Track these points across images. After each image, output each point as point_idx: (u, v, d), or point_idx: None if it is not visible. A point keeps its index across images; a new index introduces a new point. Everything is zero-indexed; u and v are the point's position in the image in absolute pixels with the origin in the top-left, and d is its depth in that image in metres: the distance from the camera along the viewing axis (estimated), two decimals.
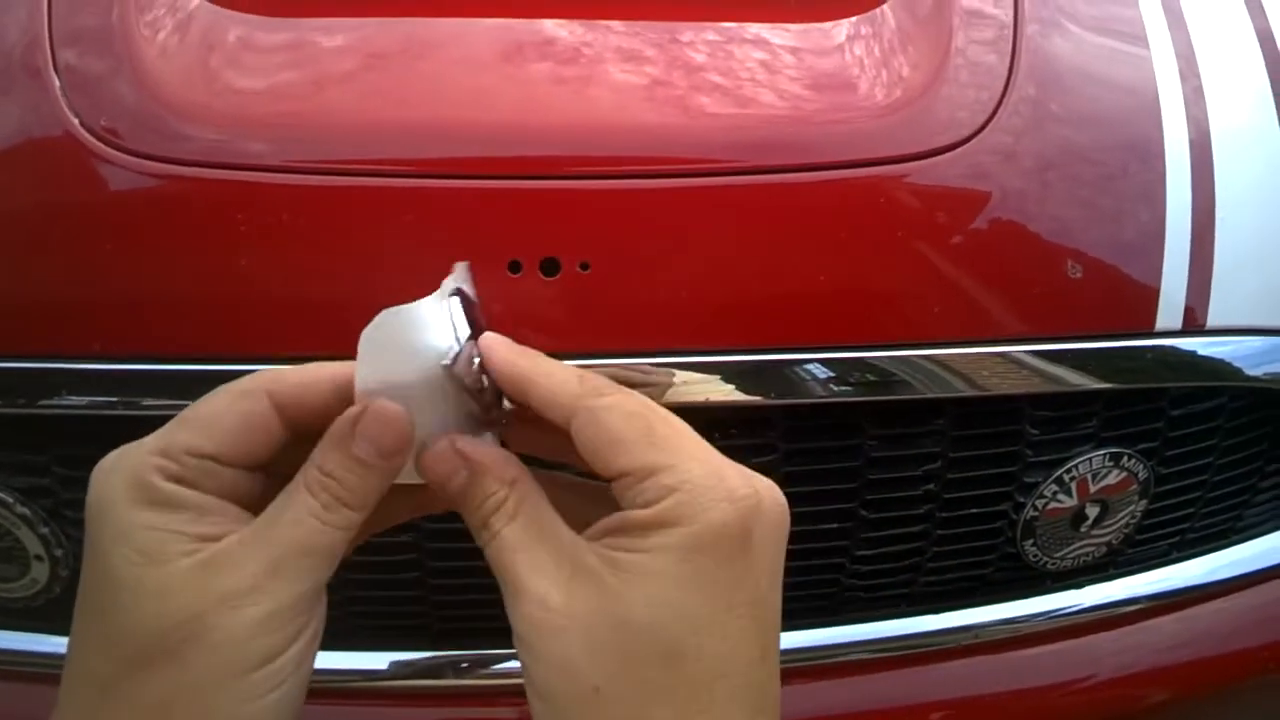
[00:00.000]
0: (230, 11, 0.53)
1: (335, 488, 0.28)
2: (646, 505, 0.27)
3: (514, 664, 0.51)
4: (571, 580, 0.27)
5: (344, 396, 0.29)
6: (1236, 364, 0.54)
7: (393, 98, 0.50)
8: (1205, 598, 0.60)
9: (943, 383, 0.48)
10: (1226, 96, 0.57)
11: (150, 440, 0.28)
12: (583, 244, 0.45)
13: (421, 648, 0.53)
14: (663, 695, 0.26)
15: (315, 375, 0.30)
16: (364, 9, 0.54)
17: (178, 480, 0.28)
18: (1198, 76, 0.57)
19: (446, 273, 0.41)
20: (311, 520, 0.28)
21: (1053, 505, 0.53)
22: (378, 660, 0.52)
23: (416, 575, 0.50)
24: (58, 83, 0.49)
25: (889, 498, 0.51)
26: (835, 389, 0.48)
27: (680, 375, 0.47)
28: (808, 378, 0.48)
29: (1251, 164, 0.56)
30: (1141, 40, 0.57)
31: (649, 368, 0.47)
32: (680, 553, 0.27)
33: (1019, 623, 0.57)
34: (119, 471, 0.28)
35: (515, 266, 0.45)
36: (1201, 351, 0.53)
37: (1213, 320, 0.52)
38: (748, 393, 0.47)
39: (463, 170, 0.46)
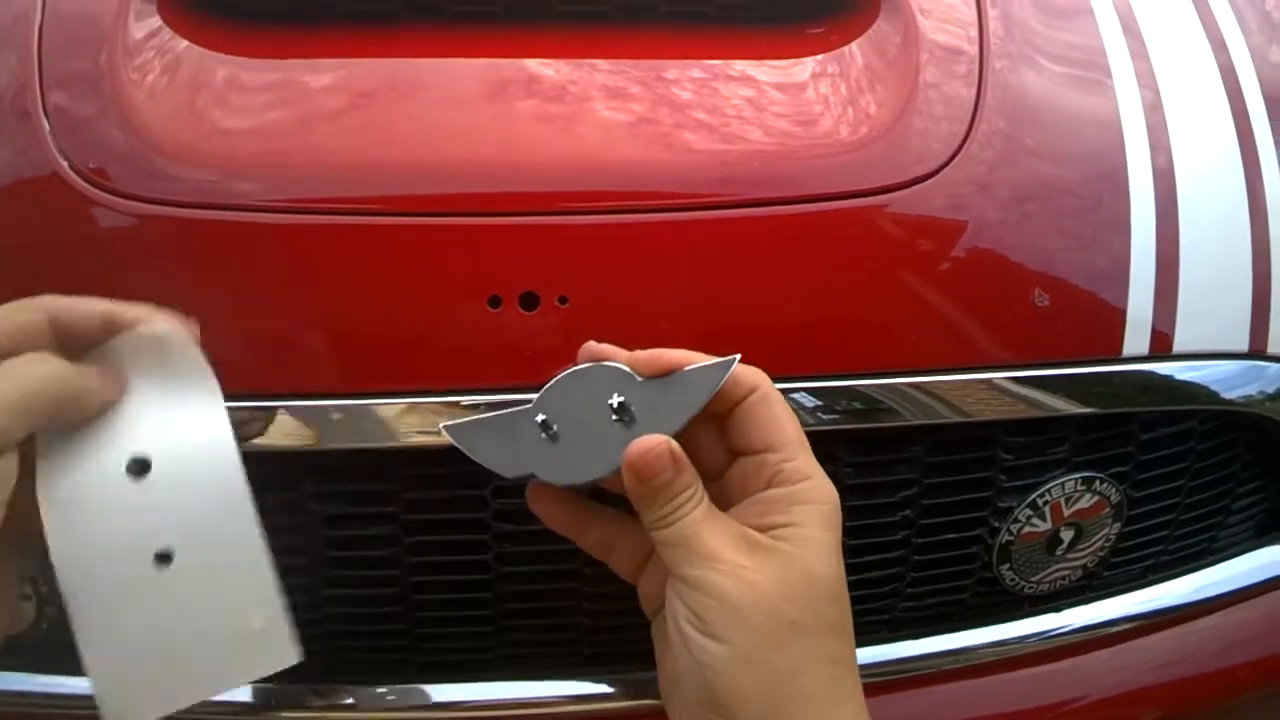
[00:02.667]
0: (217, 54, 0.54)
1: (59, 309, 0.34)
2: (790, 481, 0.36)
3: (495, 695, 0.52)
4: (752, 549, 0.35)
5: (109, 329, 0.35)
6: (1213, 387, 0.55)
7: (376, 137, 0.51)
8: (1184, 618, 0.61)
9: (928, 409, 0.50)
10: (1190, 127, 0.58)
11: None
12: (560, 278, 0.46)
13: (406, 680, 0.53)
14: (833, 628, 0.35)
15: (92, 305, 0.35)
16: (350, 50, 0.55)
17: None
18: (1161, 107, 0.58)
19: (427, 306, 0.44)
20: (32, 354, 0.33)
21: (1027, 529, 0.54)
22: (363, 694, 0.52)
23: (400, 609, 0.51)
24: (47, 126, 0.50)
25: (866, 524, 0.52)
26: (823, 417, 0.49)
27: None
28: (795, 407, 0.49)
29: (1216, 192, 0.57)
30: (1106, 73, 0.59)
31: None
32: (823, 524, 0.36)
33: (1003, 645, 0.58)
34: None
35: (495, 301, 0.46)
36: (1178, 376, 0.54)
37: (1180, 346, 0.54)
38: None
39: (443, 207, 0.47)
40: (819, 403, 0.49)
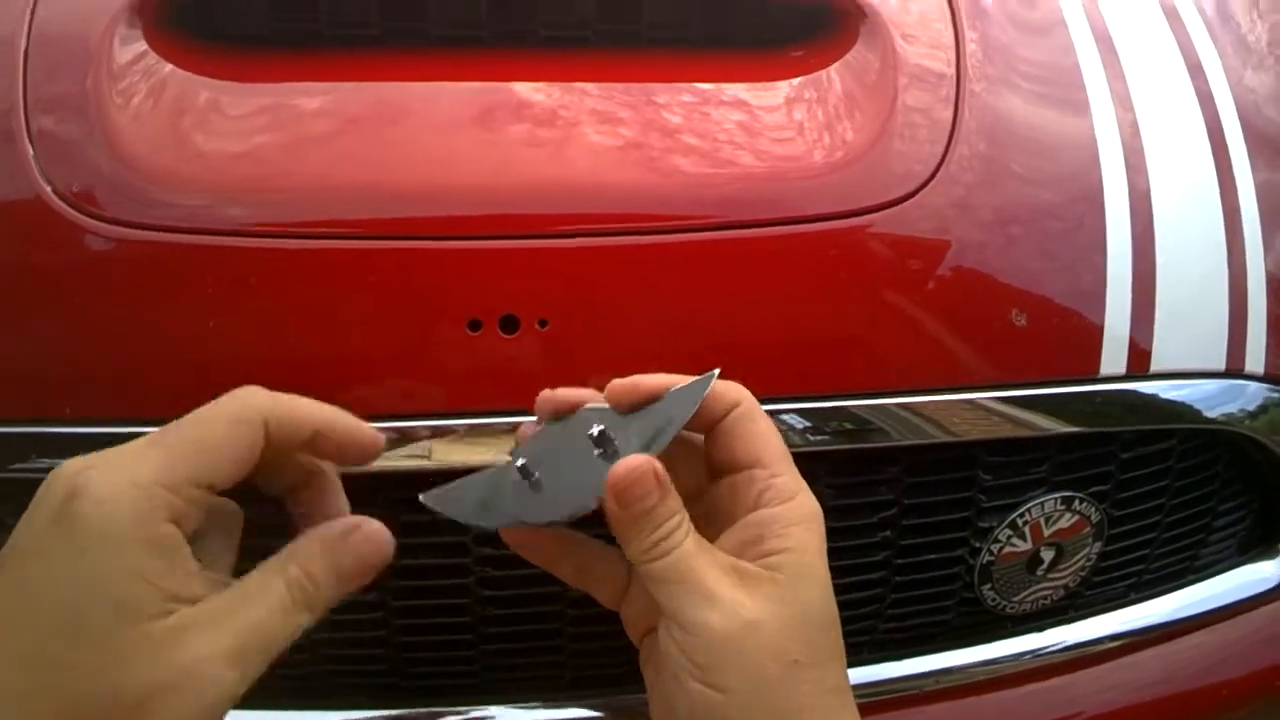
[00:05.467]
0: (202, 78, 0.55)
1: (312, 592, 0.30)
2: (778, 501, 0.35)
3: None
4: (745, 583, 0.33)
5: (322, 439, 0.32)
6: (1196, 406, 0.56)
7: (358, 161, 0.51)
8: (1170, 636, 0.61)
9: (917, 430, 0.50)
10: (1167, 149, 0.59)
11: (150, 469, 0.28)
12: (539, 301, 0.47)
13: (391, 705, 0.53)
14: (833, 654, 0.34)
15: (306, 414, 0.32)
16: (334, 74, 0.55)
17: (176, 520, 0.28)
18: (1138, 129, 0.59)
19: (408, 330, 0.44)
20: (283, 616, 0.29)
21: (1008, 549, 0.54)
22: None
23: (383, 633, 0.51)
24: (31, 150, 0.50)
25: (847, 545, 0.52)
26: (812, 438, 0.49)
27: None
28: (782, 428, 0.49)
29: (1192, 213, 0.58)
30: (1082, 95, 0.60)
31: None
32: (815, 545, 0.35)
33: (987, 665, 0.58)
34: (122, 503, 0.27)
35: (475, 325, 0.46)
36: (1163, 395, 0.55)
37: (1158, 365, 0.54)
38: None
39: (422, 231, 0.47)
40: (808, 424, 0.49)
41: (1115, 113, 0.59)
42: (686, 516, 0.34)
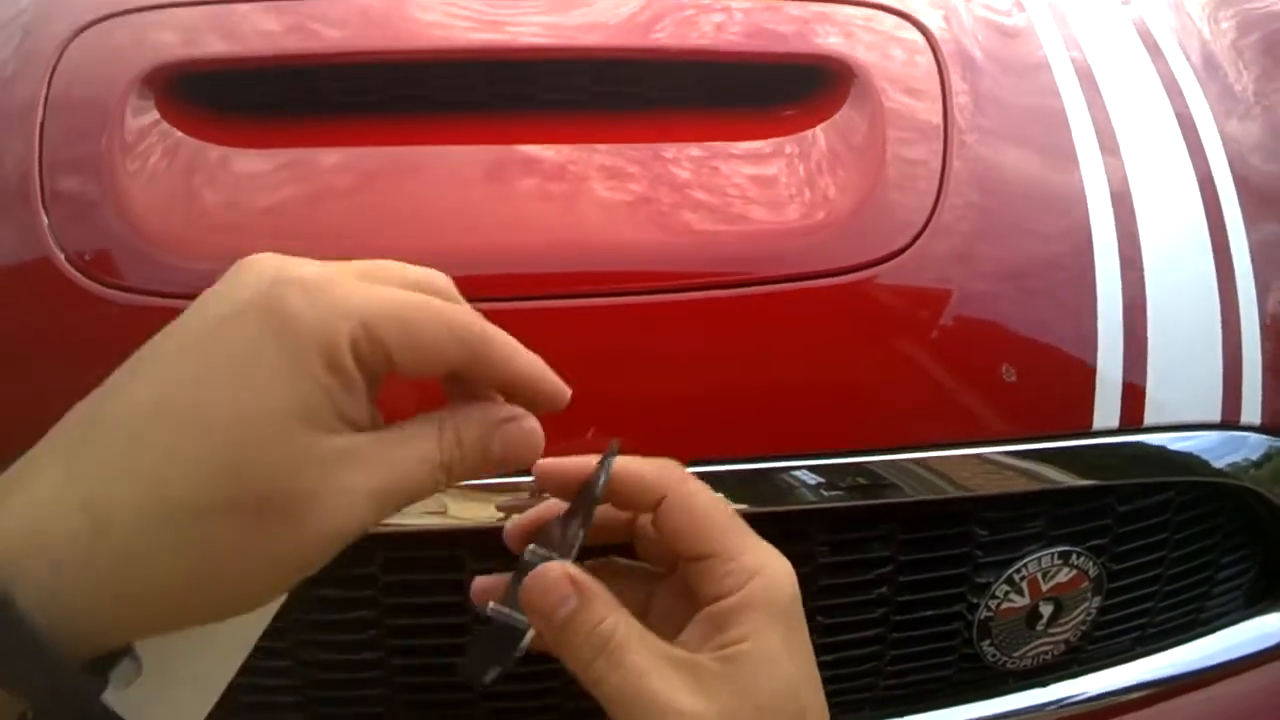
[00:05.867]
0: (211, 145, 0.56)
1: (458, 459, 0.29)
2: (737, 588, 0.31)
3: None
4: (701, 686, 0.29)
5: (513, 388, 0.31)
6: (1204, 457, 0.56)
7: (360, 225, 0.53)
8: (1175, 692, 0.60)
9: (929, 485, 0.50)
10: (1157, 202, 0.60)
11: (358, 301, 0.27)
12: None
13: None
14: None
15: (506, 369, 0.31)
16: (339, 140, 0.57)
17: (358, 358, 0.27)
18: (1126, 177, 0.60)
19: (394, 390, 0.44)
20: (427, 469, 0.29)
21: (1006, 605, 0.54)
22: None
23: (381, 673, 0.51)
24: (45, 217, 0.52)
25: (843, 603, 0.52)
26: (826, 494, 0.49)
27: None
28: (797, 484, 0.49)
29: (1183, 262, 0.58)
30: (1069, 144, 0.60)
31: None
32: (780, 632, 0.31)
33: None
34: (321, 311, 0.26)
35: None
36: (1171, 446, 0.55)
37: (1152, 417, 0.54)
38: (737, 501, 0.49)
39: None
40: (821, 479, 0.49)
41: (1104, 162, 0.60)
42: (623, 621, 0.30)
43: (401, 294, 0.28)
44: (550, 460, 0.34)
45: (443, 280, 0.31)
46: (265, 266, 0.28)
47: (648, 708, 0.29)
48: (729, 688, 0.29)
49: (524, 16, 0.62)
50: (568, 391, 0.32)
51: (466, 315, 0.29)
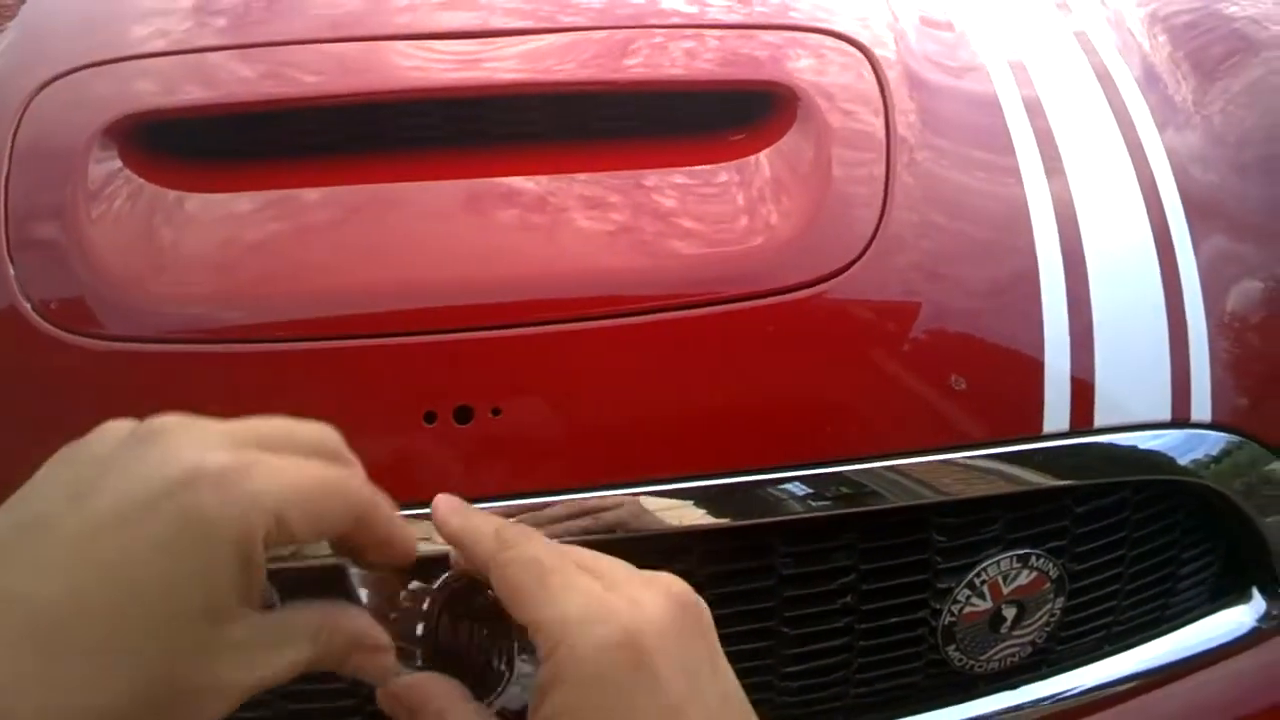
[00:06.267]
0: (176, 191, 0.58)
1: (317, 664, 0.31)
2: (545, 659, 0.30)
3: None
4: None
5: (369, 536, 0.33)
6: (1170, 454, 0.57)
7: (334, 261, 0.54)
8: (1144, 688, 0.61)
9: (909, 491, 0.51)
10: (1100, 211, 0.61)
11: (270, 492, 0.28)
12: (491, 390, 0.49)
13: None
14: None
15: (387, 522, 0.33)
16: (298, 181, 0.58)
17: (266, 545, 0.28)
18: (1068, 188, 0.61)
19: (366, 425, 0.45)
20: (291, 670, 0.30)
21: (969, 609, 0.55)
22: None
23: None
24: (11, 269, 0.53)
25: (808, 613, 0.53)
26: (814, 505, 0.50)
27: (652, 502, 0.50)
28: (784, 496, 0.50)
29: (1128, 270, 0.60)
30: (1011, 157, 0.62)
31: (605, 498, 0.49)
32: (591, 700, 0.29)
33: None
34: (240, 513, 0.27)
35: (430, 417, 0.48)
36: (1141, 445, 0.56)
37: (1102, 419, 0.55)
38: (718, 516, 0.50)
39: (376, 328, 0.50)
40: (810, 490, 0.50)
41: (1046, 173, 0.62)
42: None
43: (304, 474, 0.30)
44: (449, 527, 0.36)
45: (334, 440, 0.33)
46: (175, 450, 0.28)
47: None
48: None
49: (490, 53, 0.64)
50: (415, 553, 0.34)
51: (358, 487, 0.32)
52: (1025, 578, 0.55)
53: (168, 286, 0.53)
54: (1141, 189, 0.64)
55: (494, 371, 0.49)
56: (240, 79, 0.63)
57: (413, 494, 0.48)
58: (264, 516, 0.28)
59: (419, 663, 0.35)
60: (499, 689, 0.35)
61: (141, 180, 0.58)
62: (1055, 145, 0.64)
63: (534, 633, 0.30)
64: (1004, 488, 0.53)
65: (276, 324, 0.51)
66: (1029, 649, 0.58)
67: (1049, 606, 0.57)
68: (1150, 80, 0.72)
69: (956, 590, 0.54)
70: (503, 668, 0.35)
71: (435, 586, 0.36)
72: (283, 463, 0.30)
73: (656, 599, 0.31)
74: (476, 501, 0.47)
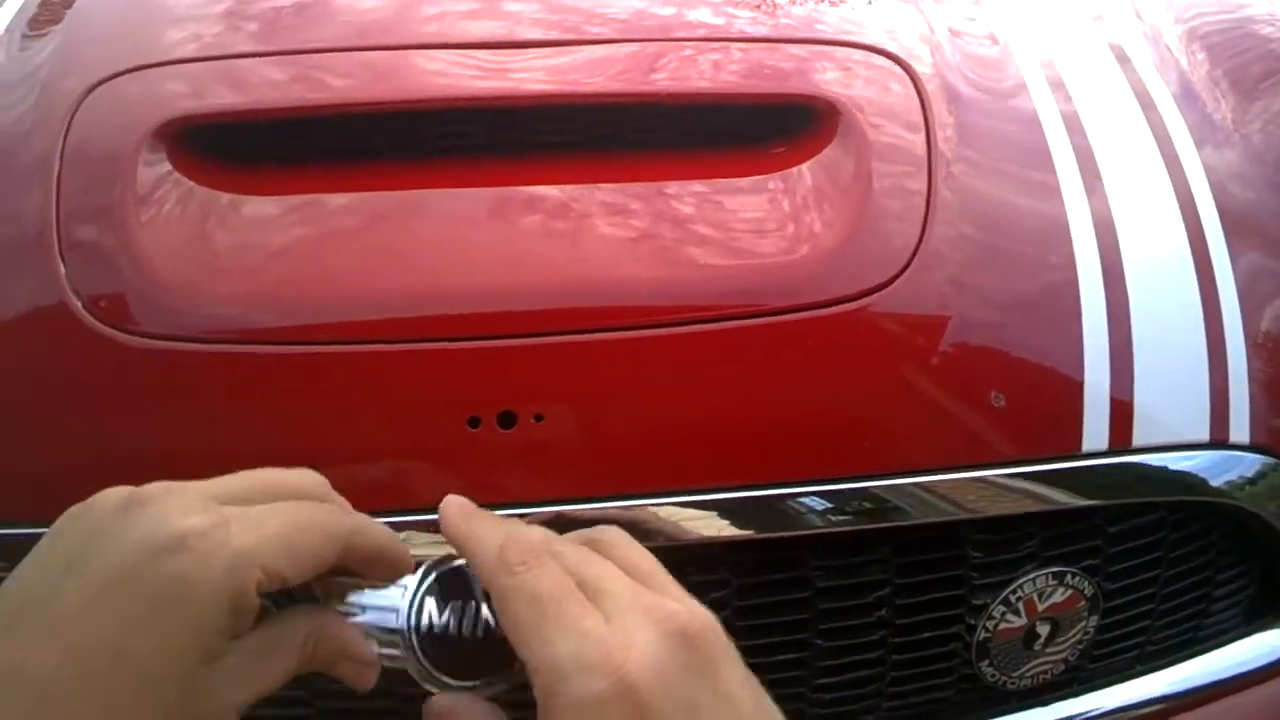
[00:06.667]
0: (223, 193, 0.59)
1: (307, 667, 0.33)
2: (540, 696, 0.30)
3: None
4: None
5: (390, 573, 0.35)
6: (1202, 476, 0.57)
7: (371, 266, 0.55)
8: (1175, 710, 0.61)
9: (934, 508, 0.51)
10: (1137, 225, 0.61)
11: (252, 548, 0.30)
12: (535, 396, 0.49)
13: None
14: None
15: (375, 542, 0.35)
16: (344, 185, 0.59)
17: (259, 591, 0.31)
18: (1108, 205, 0.61)
19: (411, 430, 0.45)
20: (284, 677, 0.32)
21: (1004, 625, 0.55)
22: None
23: None
24: (63, 267, 0.54)
25: (843, 626, 0.53)
26: (831, 519, 0.51)
27: (678, 514, 0.50)
28: (802, 509, 0.51)
29: (1167, 287, 0.60)
30: (1050, 172, 0.62)
31: (624, 508, 0.50)
32: None
33: None
34: (226, 572, 0.30)
35: (474, 422, 0.49)
36: (1171, 466, 0.56)
37: (1141, 438, 0.55)
38: (741, 528, 0.51)
39: (422, 332, 0.50)
40: (830, 505, 0.51)
41: (1086, 189, 0.62)
42: None
43: (284, 519, 0.32)
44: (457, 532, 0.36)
45: (313, 480, 0.35)
46: (159, 517, 0.30)
47: None
48: None
49: (520, 63, 0.65)
50: (411, 561, 0.36)
51: (336, 519, 0.33)
52: (1060, 595, 0.55)
53: (214, 287, 0.53)
54: (1180, 206, 0.63)
55: (539, 378, 0.50)
56: (279, 84, 0.64)
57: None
58: (250, 570, 0.30)
59: (427, 661, 0.35)
60: (498, 674, 0.35)
61: (191, 183, 0.58)
62: (1094, 161, 0.64)
63: (530, 672, 0.31)
64: (1033, 507, 0.53)
65: (320, 327, 0.52)
66: (1061, 666, 0.58)
67: (1083, 625, 0.56)
68: (1188, 98, 0.72)
69: (991, 606, 0.54)
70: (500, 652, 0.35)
71: (421, 574, 0.36)
72: (261, 514, 0.32)
73: (651, 637, 0.31)
74: (517, 507, 0.48)
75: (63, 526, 0.32)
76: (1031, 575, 0.54)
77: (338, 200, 0.58)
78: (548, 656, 0.31)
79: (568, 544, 0.35)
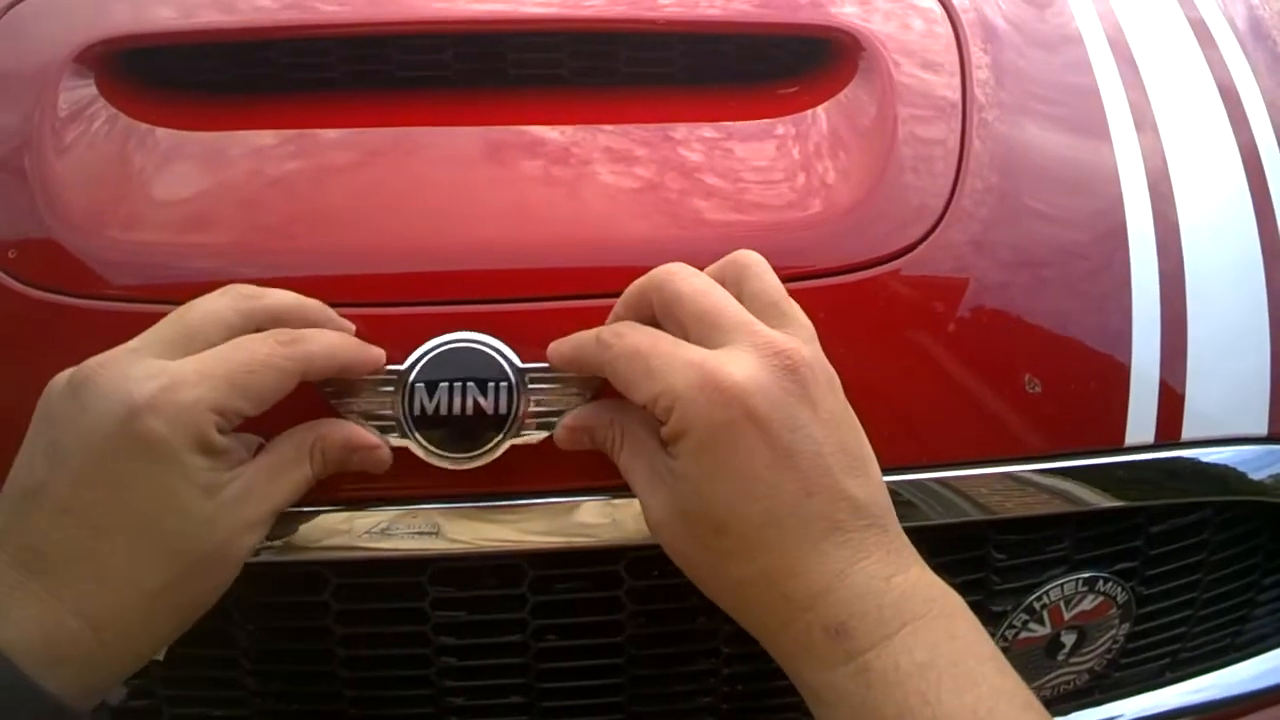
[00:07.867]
0: (152, 126, 0.51)
1: (324, 471, 0.39)
2: (664, 421, 0.36)
3: None
4: (655, 486, 0.37)
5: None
6: (1241, 470, 0.50)
7: (319, 217, 0.48)
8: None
9: (950, 505, 0.45)
10: (1196, 177, 0.54)
11: (206, 395, 0.34)
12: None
13: None
14: (726, 555, 0.35)
15: (335, 358, 0.39)
16: (293, 121, 0.52)
17: (223, 431, 0.35)
18: (1163, 158, 0.54)
19: None
20: (303, 486, 0.38)
21: (1024, 635, 0.49)
22: None
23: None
24: None
25: None
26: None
27: None
28: None
29: (1226, 250, 0.53)
30: (1101, 119, 0.54)
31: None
32: (694, 455, 0.35)
33: None
34: (180, 423, 0.34)
35: None
36: (1204, 459, 0.49)
37: (1190, 430, 0.49)
38: None
39: (382, 293, 0.44)
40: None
41: (1139, 139, 0.54)
42: (619, 432, 0.39)
43: (229, 365, 0.35)
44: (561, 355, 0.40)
45: (245, 298, 0.39)
46: (106, 394, 0.34)
47: (633, 490, 0.38)
48: (667, 492, 0.36)
49: None
50: (382, 355, 0.40)
51: (284, 355, 0.37)
52: (1089, 603, 0.49)
53: (138, 236, 0.47)
54: (1242, 156, 0.56)
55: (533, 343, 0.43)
56: (225, 3, 0.56)
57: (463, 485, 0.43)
58: (205, 416, 0.34)
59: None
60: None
61: (118, 112, 0.51)
62: (1149, 110, 0.56)
63: (653, 406, 0.36)
64: (1065, 508, 0.47)
65: (260, 284, 0.45)
66: (1085, 676, 0.52)
67: (1112, 633, 0.51)
68: (1257, 37, 0.64)
69: (1013, 614, 0.48)
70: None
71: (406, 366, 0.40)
72: (204, 362, 0.35)
73: (754, 361, 0.35)
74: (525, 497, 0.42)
75: (36, 415, 0.36)
76: (1059, 581, 0.48)
77: (287, 138, 0.51)
78: (662, 387, 0.35)
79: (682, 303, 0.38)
